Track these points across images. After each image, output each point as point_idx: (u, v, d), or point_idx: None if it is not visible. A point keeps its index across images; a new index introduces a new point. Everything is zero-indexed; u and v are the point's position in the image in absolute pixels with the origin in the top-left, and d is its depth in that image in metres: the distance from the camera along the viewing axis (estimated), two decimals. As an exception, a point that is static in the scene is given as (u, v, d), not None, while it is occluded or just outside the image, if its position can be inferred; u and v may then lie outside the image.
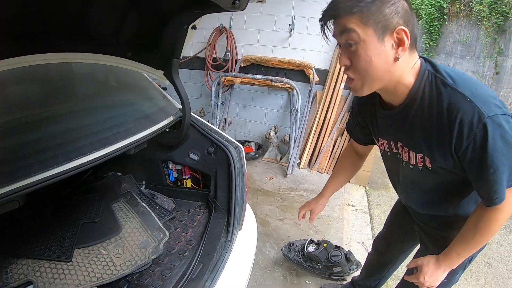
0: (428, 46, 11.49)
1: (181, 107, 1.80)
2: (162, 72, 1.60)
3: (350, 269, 2.34)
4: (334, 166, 1.58)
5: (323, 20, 0.94)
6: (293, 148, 3.99)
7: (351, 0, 0.87)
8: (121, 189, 1.91)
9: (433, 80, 0.95)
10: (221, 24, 4.39)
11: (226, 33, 4.34)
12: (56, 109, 1.45)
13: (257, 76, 4.01)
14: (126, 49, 1.41)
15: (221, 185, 1.67)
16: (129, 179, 1.97)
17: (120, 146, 1.28)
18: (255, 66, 4.39)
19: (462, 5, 10.02)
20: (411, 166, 1.10)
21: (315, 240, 2.40)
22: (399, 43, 0.89)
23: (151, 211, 1.66)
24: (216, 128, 1.75)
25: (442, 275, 1.14)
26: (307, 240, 2.40)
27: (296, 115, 3.95)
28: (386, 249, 1.80)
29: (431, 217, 1.30)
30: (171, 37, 1.41)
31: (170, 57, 1.50)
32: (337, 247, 2.42)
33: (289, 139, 4.10)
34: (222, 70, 4.44)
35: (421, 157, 1.05)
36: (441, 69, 0.96)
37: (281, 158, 4.37)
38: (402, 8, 0.88)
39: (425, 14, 11.22)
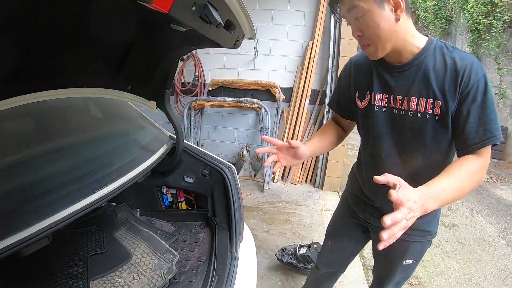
0: None
1: (169, 134, 1.93)
2: (155, 102, 1.71)
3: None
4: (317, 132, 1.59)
5: (331, 4, 1.13)
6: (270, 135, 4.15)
7: None
8: (118, 218, 1.97)
9: (443, 44, 1.13)
10: (187, 51, 4.54)
11: (194, 58, 4.49)
12: (59, 144, 1.52)
13: (228, 99, 4.18)
14: (127, 83, 1.51)
15: (218, 203, 1.80)
16: (124, 208, 2.03)
17: (132, 176, 1.37)
18: (223, 89, 4.56)
19: None
20: (418, 115, 1.15)
21: (305, 244, 2.58)
22: (396, 6, 1.03)
23: (155, 235, 1.74)
24: (206, 151, 1.88)
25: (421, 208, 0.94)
26: (297, 244, 2.59)
27: (266, 132, 4.14)
28: (334, 258, 1.83)
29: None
30: (164, 70, 1.54)
31: (162, 88, 1.62)
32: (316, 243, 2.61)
33: (261, 156, 4.27)
34: (191, 95, 4.57)
35: (431, 102, 1.12)
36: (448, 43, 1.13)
37: (255, 175, 4.54)
38: None
39: None
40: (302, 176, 4.45)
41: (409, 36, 1.12)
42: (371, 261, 2.98)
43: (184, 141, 1.85)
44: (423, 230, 1.35)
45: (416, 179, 1.02)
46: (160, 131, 1.96)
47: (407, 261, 1.44)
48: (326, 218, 3.52)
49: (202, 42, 1.27)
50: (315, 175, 4.42)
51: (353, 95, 1.34)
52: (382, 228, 0.84)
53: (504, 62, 6.98)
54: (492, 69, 7.31)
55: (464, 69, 1.05)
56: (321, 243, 2.52)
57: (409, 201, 0.86)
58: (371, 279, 2.68)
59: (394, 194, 0.85)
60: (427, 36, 1.16)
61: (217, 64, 4.60)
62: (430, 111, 1.12)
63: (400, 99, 1.18)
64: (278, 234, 3.22)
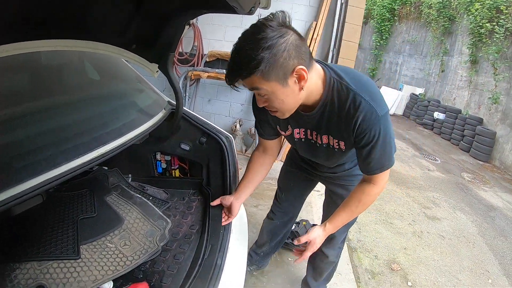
0: (378, 44, 12.18)
1: (168, 99, 1.88)
2: (156, 65, 1.65)
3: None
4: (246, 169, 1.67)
5: (230, 82, 1.09)
6: (258, 139, 4.12)
7: (250, 63, 0.97)
8: (109, 183, 1.92)
9: (339, 86, 1.17)
10: (188, 19, 4.41)
11: (194, 28, 4.36)
12: (55, 101, 1.46)
13: (226, 71, 4.09)
14: (132, 42, 1.45)
15: (213, 173, 1.78)
16: (116, 172, 1.98)
17: (130, 138, 1.34)
18: (221, 61, 4.46)
19: (412, 8, 10.76)
20: (329, 146, 1.36)
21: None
22: (300, 78, 1.06)
23: (148, 201, 1.71)
24: (206, 120, 1.84)
25: (324, 238, 1.44)
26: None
27: (262, 108, 4.08)
28: (289, 206, 2.12)
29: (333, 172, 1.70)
30: (171, 33, 1.48)
31: (167, 51, 1.56)
32: (314, 225, 2.63)
33: (254, 131, 4.24)
34: (188, 65, 4.47)
35: (337, 142, 1.31)
36: (343, 75, 1.17)
37: (246, 150, 4.52)
38: (292, 46, 1.00)
39: (376, 14, 11.90)
40: (293, 155, 4.45)
41: (311, 91, 1.17)
42: (355, 244, 3.04)
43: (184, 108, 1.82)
44: (356, 174, 1.65)
45: (334, 167, 1.66)
46: (159, 96, 1.91)
47: None
48: (314, 198, 3.54)
49: (216, 4, 1.22)
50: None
51: (275, 127, 1.49)
52: (331, 178, 1.76)
53: (501, 69, 6.97)
54: (489, 73, 7.33)
55: (357, 118, 1.15)
56: (310, 222, 2.59)
57: (316, 238, 1.41)
58: (355, 261, 2.75)
59: (303, 239, 1.42)
60: (323, 70, 1.19)
61: (217, 36, 4.48)
62: (337, 146, 1.32)
63: (315, 134, 1.36)
64: (266, 210, 3.11)
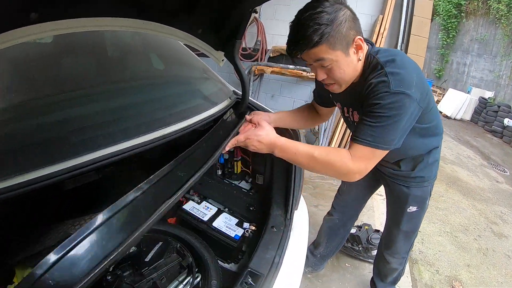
0: (445, 43, 11.31)
1: (233, 89, 1.85)
2: (222, 53, 1.63)
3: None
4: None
5: (292, 54, 1.14)
6: (323, 138, 4.02)
7: (314, 33, 1.04)
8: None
9: (372, 60, 1.18)
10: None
11: (257, 23, 4.36)
12: (118, 85, 1.50)
13: (290, 66, 4.04)
14: (197, 27, 1.43)
15: (277, 166, 1.72)
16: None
17: (193, 121, 1.32)
18: (284, 57, 4.41)
19: (480, 3, 9.84)
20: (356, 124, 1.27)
21: (356, 224, 2.45)
22: (358, 48, 1.14)
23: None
24: (272, 111, 1.78)
25: (265, 149, 1.23)
26: (349, 223, 2.48)
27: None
28: (350, 202, 2.03)
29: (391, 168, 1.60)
30: (237, 19, 1.44)
31: (233, 38, 1.52)
32: (377, 231, 2.50)
33: (318, 129, 4.13)
34: (252, 60, 4.47)
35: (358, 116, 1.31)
36: (382, 51, 1.19)
37: (308, 148, 4.41)
38: (351, 18, 1.10)
39: (442, 10, 11.03)
40: (356, 156, 4.26)
41: (361, 66, 1.22)
42: (416, 255, 2.83)
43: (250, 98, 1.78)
44: (417, 176, 1.54)
45: (390, 164, 1.58)
46: (225, 86, 1.89)
47: (410, 208, 1.62)
48: (377, 202, 3.36)
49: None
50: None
51: (329, 96, 1.49)
52: (391, 176, 1.64)
53: None
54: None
55: (369, 84, 1.13)
56: (372, 226, 2.45)
57: (255, 136, 1.21)
58: (416, 273, 2.53)
59: (248, 118, 1.45)
60: (370, 44, 1.24)
61: (280, 31, 4.43)
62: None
63: (350, 110, 1.38)
64: (326, 210, 3.08)
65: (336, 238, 2.18)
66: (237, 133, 1.33)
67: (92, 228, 0.80)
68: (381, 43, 3.91)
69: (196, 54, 1.96)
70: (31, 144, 0.94)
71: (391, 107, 1.08)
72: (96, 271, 0.74)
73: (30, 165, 0.83)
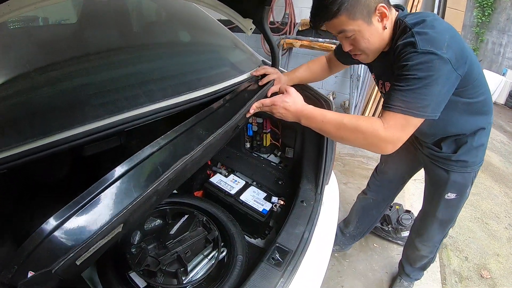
0: (480, 21, 10.55)
1: (262, 59, 1.75)
2: (251, 20, 1.54)
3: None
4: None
5: (314, 27, 1.13)
6: (354, 113, 3.86)
7: (332, 3, 1.02)
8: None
9: (402, 25, 1.09)
10: (279, -14, 4.23)
11: (285, -5, 4.19)
12: (143, 52, 1.44)
13: (320, 40, 3.87)
14: None
15: (308, 138, 1.63)
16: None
17: (221, 87, 1.25)
18: (313, 31, 4.22)
19: None
20: None
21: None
22: (382, 16, 1.08)
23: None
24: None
25: (291, 117, 1.20)
26: (379, 201, 2.36)
27: (358, 80, 3.80)
28: (386, 182, 1.91)
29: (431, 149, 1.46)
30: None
31: (261, 4, 1.43)
32: (408, 211, 2.38)
33: (348, 105, 3.97)
34: (280, 34, 4.32)
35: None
36: (412, 15, 1.10)
37: (338, 125, 4.27)
38: None
39: None
40: (388, 133, 4.09)
41: (389, 33, 1.14)
42: (446, 239, 2.67)
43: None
44: (460, 160, 1.38)
45: (429, 144, 1.44)
46: (253, 55, 1.79)
47: (449, 194, 1.48)
48: (408, 184, 3.21)
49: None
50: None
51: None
52: (431, 158, 1.48)
53: None
54: None
55: (397, 47, 1.07)
56: (403, 206, 2.33)
57: (281, 103, 1.18)
58: (445, 259, 2.40)
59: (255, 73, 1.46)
60: (397, 13, 1.16)
61: (309, 4, 4.16)
62: None
63: (381, 82, 1.33)
64: (356, 189, 3.01)
65: (367, 219, 2.08)
66: (265, 97, 1.28)
67: (106, 184, 0.74)
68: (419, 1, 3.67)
69: (228, 28, 1.89)
70: (52, 108, 0.91)
71: (420, 68, 0.99)
72: (108, 227, 0.70)
73: (51, 128, 0.81)
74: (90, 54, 1.27)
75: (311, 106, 1.17)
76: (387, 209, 2.29)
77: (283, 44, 4.19)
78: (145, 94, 1.01)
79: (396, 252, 2.37)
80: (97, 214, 0.71)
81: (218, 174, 1.82)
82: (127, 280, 1.31)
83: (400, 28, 1.10)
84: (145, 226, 1.52)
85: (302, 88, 1.61)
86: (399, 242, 2.39)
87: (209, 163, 1.94)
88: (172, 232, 1.43)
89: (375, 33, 1.10)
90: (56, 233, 0.66)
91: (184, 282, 1.28)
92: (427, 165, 1.56)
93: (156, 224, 1.55)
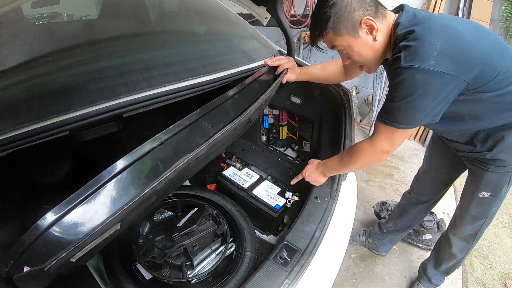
0: (510, 15, 10.05)
1: (279, 48, 1.68)
2: (265, 8, 1.48)
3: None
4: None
5: (313, 45, 1.20)
6: (377, 109, 3.72)
7: (321, 22, 1.07)
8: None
9: (395, 34, 1.07)
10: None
11: (306, -14, 4.06)
12: (151, 40, 1.41)
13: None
14: None
15: (325, 132, 1.55)
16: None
17: (228, 73, 1.20)
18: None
19: None
20: None
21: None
22: (370, 28, 1.07)
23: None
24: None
25: (319, 176, 1.40)
26: (401, 201, 2.24)
27: (381, 74, 3.65)
28: (428, 183, 1.81)
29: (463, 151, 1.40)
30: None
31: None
32: (431, 213, 2.23)
33: (372, 100, 3.83)
34: (301, 26, 4.21)
35: None
36: (402, 22, 1.06)
37: (361, 120, 4.14)
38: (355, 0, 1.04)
39: None
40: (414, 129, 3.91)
41: (384, 42, 1.12)
42: None
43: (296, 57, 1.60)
44: (496, 159, 1.30)
45: (461, 144, 1.35)
46: (269, 44, 1.72)
47: (482, 193, 1.42)
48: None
49: None
50: (426, 133, 3.84)
51: None
52: (469, 158, 1.39)
53: None
54: None
55: (390, 64, 1.06)
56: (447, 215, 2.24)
57: (307, 170, 1.43)
58: (467, 265, 2.25)
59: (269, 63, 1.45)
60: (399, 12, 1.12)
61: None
62: None
63: None
64: (377, 187, 2.92)
65: (406, 217, 1.98)
66: (279, 85, 1.32)
67: (103, 181, 0.70)
68: (441, 6, 3.51)
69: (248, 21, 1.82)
70: (49, 93, 0.88)
71: (402, 86, 1.01)
72: (104, 226, 0.66)
73: (47, 112, 0.79)
74: (96, 42, 1.25)
75: (322, 163, 1.41)
76: (428, 213, 2.16)
77: (305, 37, 4.08)
78: (144, 80, 0.96)
79: (416, 255, 2.25)
80: (93, 212, 0.67)
81: (231, 167, 1.76)
82: (132, 270, 1.28)
83: (395, 37, 1.08)
84: (154, 218, 1.48)
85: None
86: (420, 245, 2.27)
87: (224, 156, 1.89)
88: (179, 224, 1.39)
89: (365, 45, 1.10)
90: (52, 230, 0.64)
91: (190, 276, 1.25)
92: (468, 165, 1.48)
93: (166, 216, 1.51)
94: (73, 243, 0.62)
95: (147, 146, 0.75)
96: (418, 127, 1.14)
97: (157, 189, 0.73)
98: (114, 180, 0.70)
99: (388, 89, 1.08)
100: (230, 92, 1.08)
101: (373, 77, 3.83)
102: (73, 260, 0.69)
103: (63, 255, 0.63)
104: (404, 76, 0.98)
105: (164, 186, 0.76)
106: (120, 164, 0.72)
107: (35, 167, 1.22)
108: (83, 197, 0.66)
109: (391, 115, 1.08)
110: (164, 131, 0.80)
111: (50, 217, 0.64)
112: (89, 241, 0.66)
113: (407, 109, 1.04)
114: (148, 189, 0.69)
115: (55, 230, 0.64)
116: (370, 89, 4.06)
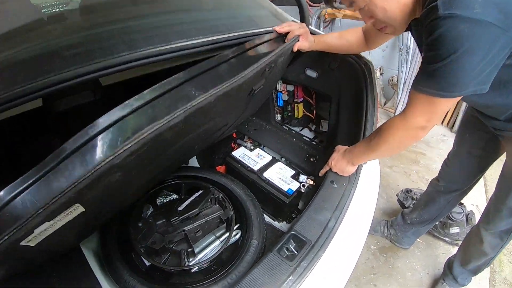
0: None
1: (293, 19, 1.52)
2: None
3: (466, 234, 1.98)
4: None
5: (327, 3, 1.08)
6: (402, 91, 3.50)
7: None
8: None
9: None
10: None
11: (326, -38, 3.82)
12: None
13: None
14: None
15: (344, 108, 1.40)
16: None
17: (224, 37, 1.05)
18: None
19: None
20: None
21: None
22: None
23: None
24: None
25: (346, 165, 1.21)
26: (428, 189, 2.06)
27: (407, 53, 3.42)
28: (458, 168, 1.63)
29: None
30: None
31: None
32: (460, 204, 2.04)
33: (397, 81, 3.60)
34: (321, 3, 3.99)
35: None
36: None
37: (385, 103, 3.92)
38: None
39: None
40: (442, 113, 3.68)
41: None
42: None
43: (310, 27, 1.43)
44: None
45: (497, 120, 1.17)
46: (282, 15, 1.55)
47: None
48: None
49: None
50: (455, 118, 3.59)
51: None
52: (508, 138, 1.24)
53: None
54: None
55: (424, 17, 0.86)
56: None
57: (333, 160, 1.24)
58: (496, 264, 2.07)
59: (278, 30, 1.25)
60: None
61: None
62: None
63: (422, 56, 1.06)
64: (402, 173, 2.74)
65: (433, 207, 1.79)
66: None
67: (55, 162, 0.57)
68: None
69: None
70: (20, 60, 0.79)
71: (443, 40, 0.79)
72: (52, 205, 0.55)
73: (18, 80, 0.71)
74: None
75: (348, 149, 1.22)
76: (457, 205, 1.98)
77: (325, 14, 3.87)
78: (124, 43, 0.83)
79: (441, 250, 2.08)
80: (43, 191, 0.55)
81: (242, 148, 1.63)
82: (131, 256, 1.18)
83: None
84: (158, 201, 1.37)
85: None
86: (446, 239, 2.09)
87: (234, 135, 1.76)
88: (180, 208, 1.27)
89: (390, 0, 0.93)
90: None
91: (191, 264, 1.14)
92: (506, 146, 1.30)
93: (171, 199, 1.40)
94: (15, 225, 0.52)
95: (114, 114, 0.61)
96: (457, 100, 0.91)
97: (117, 163, 0.59)
98: (72, 156, 0.58)
99: (425, 49, 0.88)
100: (226, 54, 0.91)
101: (398, 56, 3.60)
102: (31, 244, 0.58)
103: (6, 237, 0.52)
104: (444, 28, 0.78)
105: (130, 161, 0.63)
106: (80, 137, 0.59)
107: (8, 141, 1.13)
108: (36, 177, 0.56)
109: (430, 80, 0.87)
110: (136, 96, 0.66)
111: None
112: (38, 224, 0.55)
113: (450, 70, 0.82)
114: (103, 164, 0.56)
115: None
116: (395, 70, 3.83)
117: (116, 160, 0.58)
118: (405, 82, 3.49)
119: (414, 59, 3.49)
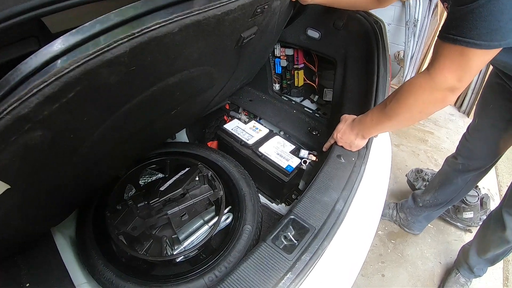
0: None
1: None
2: None
3: (480, 219, 1.84)
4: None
5: None
6: (409, 66, 3.32)
7: None
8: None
9: None
10: None
11: None
12: None
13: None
14: None
15: (352, 71, 1.22)
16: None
17: None
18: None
19: None
20: None
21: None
22: None
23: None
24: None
25: (355, 138, 1.04)
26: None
27: (415, 26, 3.25)
28: (480, 143, 1.45)
29: None
30: None
31: None
32: (475, 186, 1.86)
33: (403, 56, 3.42)
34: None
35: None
36: None
37: (391, 79, 3.74)
38: None
39: None
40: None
41: None
42: None
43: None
44: None
45: None
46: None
47: None
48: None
49: None
50: (463, 97, 3.45)
51: None
52: None
53: None
54: None
55: None
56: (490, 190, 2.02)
57: (338, 132, 1.06)
58: (510, 255, 1.91)
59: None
60: None
61: None
62: None
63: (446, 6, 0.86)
64: (410, 153, 2.59)
65: (449, 188, 1.63)
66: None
67: None
68: None
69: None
70: None
71: None
72: None
73: None
74: None
75: (358, 119, 1.05)
76: (475, 187, 1.80)
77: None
78: None
79: (453, 236, 1.93)
80: None
81: (236, 120, 1.45)
82: (109, 244, 1.03)
83: None
84: (140, 181, 1.21)
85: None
86: (458, 224, 1.94)
87: (227, 107, 1.58)
88: (162, 188, 1.11)
89: None
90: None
91: (175, 253, 1.00)
92: None
93: (155, 178, 1.24)
94: None
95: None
96: (496, 53, 0.71)
97: (24, 114, 0.42)
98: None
99: None
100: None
101: (405, 30, 3.41)
102: None
103: None
104: None
105: (53, 113, 0.45)
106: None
107: None
108: None
109: (463, 26, 0.69)
110: (74, 30, 0.47)
111: None
112: None
113: (490, 12, 0.65)
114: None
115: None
116: (401, 45, 3.64)
117: (23, 110, 0.40)
118: (412, 57, 3.31)
119: (422, 32, 3.31)
